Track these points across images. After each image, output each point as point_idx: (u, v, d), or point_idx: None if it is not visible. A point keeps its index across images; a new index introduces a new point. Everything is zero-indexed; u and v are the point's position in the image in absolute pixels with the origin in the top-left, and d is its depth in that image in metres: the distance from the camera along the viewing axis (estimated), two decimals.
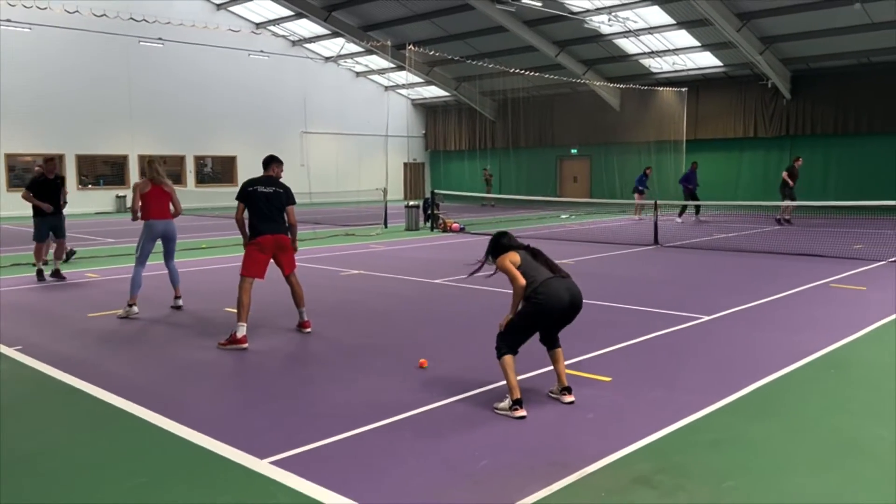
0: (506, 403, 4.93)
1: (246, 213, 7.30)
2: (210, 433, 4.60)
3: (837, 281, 10.09)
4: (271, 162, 7.56)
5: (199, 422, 4.81)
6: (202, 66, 31.04)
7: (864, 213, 21.57)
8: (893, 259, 12.11)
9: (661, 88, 29.23)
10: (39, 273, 11.10)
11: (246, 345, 6.77)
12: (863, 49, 23.68)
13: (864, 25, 21.94)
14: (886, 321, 7.57)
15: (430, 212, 19.74)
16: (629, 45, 27.44)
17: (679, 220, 20.43)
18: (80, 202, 28.44)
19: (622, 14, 24.08)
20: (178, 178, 31.32)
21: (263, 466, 4.09)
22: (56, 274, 11.16)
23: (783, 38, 23.96)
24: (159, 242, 8.81)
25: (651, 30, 25.48)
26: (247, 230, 7.28)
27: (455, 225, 19.14)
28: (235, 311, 7.06)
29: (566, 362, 5.42)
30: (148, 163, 8.86)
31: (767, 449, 4.28)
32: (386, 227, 20.08)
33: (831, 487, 3.83)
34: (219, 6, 31.32)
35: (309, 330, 7.42)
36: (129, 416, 4.99)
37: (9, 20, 24.55)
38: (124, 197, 29.16)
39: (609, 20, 24.41)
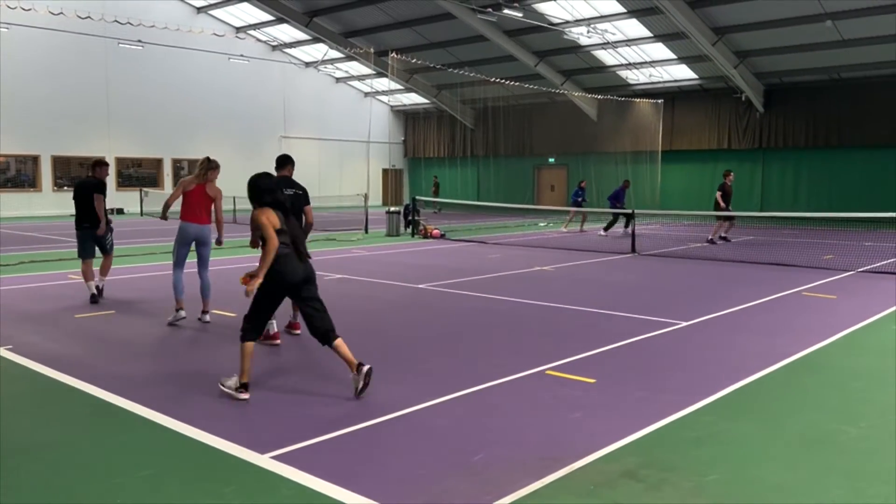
0: (233, 382, 5.40)
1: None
2: (208, 429, 4.71)
3: (809, 289, 10.44)
4: (287, 162, 7.51)
5: (198, 418, 4.92)
6: (181, 69, 30.93)
7: (834, 225, 22.16)
8: (862, 269, 12.52)
9: (638, 100, 29.73)
10: (94, 296, 9.32)
11: (279, 341, 7.08)
12: (834, 65, 24.36)
13: (835, 42, 22.59)
14: (856, 328, 7.89)
15: (411, 218, 19.91)
16: (607, 57, 27.90)
17: (603, 233, 19.76)
18: (56, 204, 28.19)
19: (601, 26, 24.51)
20: (155, 181, 31.16)
21: (265, 461, 4.22)
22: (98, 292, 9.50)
23: (757, 52, 24.56)
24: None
25: (629, 42, 25.94)
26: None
27: (436, 231, 19.33)
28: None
29: (554, 363, 5.60)
30: (202, 162, 8.10)
31: (746, 444, 4.52)
32: (367, 232, 20.21)
33: (806, 478, 4.07)
34: (199, 10, 31.27)
35: (298, 332, 7.54)
36: (126, 414, 5.09)
37: None
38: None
39: (588, 32, 24.83)
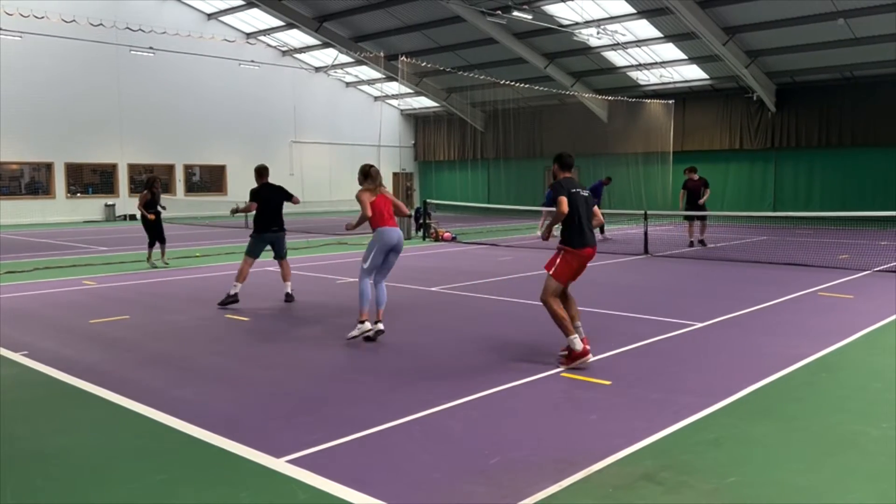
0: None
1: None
2: (224, 433, 4.70)
3: (825, 289, 10.34)
4: (372, 170, 7.67)
5: (213, 423, 4.92)
6: (192, 75, 31.10)
7: (849, 225, 21.97)
8: (878, 269, 12.39)
9: (649, 101, 29.62)
10: (229, 297, 9.43)
11: (588, 356, 6.27)
12: (846, 63, 24.17)
13: (848, 40, 22.41)
14: (874, 328, 7.80)
15: (422, 221, 19.90)
16: (617, 58, 27.82)
17: (600, 236, 18.70)
18: (69, 211, 28.39)
19: (610, 27, 24.44)
20: (167, 188, 31.31)
21: (280, 465, 4.21)
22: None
23: (768, 51, 24.41)
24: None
25: (639, 43, 25.86)
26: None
27: (447, 234, 19.30)
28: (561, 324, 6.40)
29: (569, 366, 5.54)
30: (368, 170, 7.81)
31: (766, 446, 4.46)
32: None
33: (827, 480, 4.01)
34: (209, 16, 31.44)
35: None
36: (141, 418, 5.09)
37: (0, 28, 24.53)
38: (113, 205, 29.13)
39: (598, 33, 24.77)
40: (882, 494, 3.82)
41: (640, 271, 12.87)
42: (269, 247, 9.89)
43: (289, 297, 9.67)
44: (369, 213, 7.53)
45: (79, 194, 28.98)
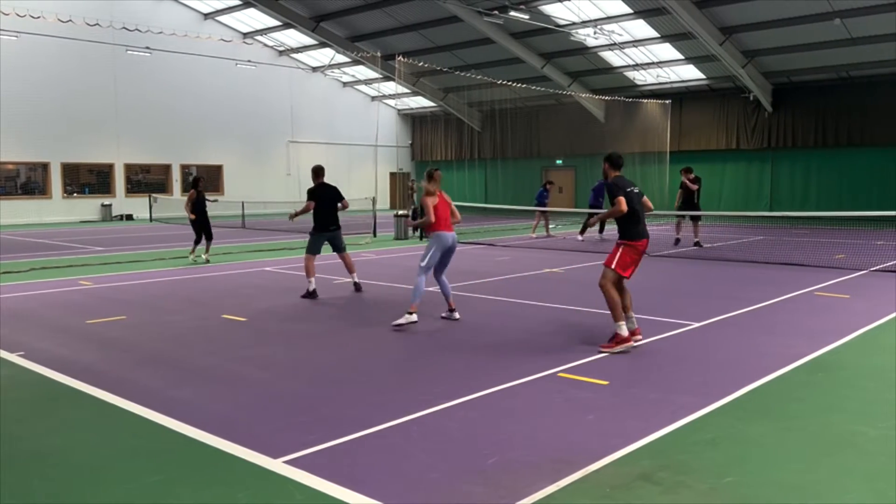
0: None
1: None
2: (220, 434, 4.70)
3: (822, 289, 10.36)
4: (436, 173, 8.49)
5: (209, 423, 4.91)
6: (189, 75, 31.06)
7: (845, 224, 22.01)
8: (874, 268, 12.42)
9: (646, 100, 29.64)
10: (309, 293, 10.01)
11: (639, 337, 7.06)
12: (842, 63, 24.21)
13: (844, 40, 22.45)
14: (870, 327, 7.82)
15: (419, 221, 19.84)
16: (614, 58, 27.84)
17: (581, 237, 18.84)
18: (66, 211, 28.34)
19: (607, 27, 24.45)
20: (164, 187, 31.28)
21: (277, 465, 4.20)
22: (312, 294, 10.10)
23: (765, 51, 24.45)
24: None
25: (636, 43, 25.88)
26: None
27: None
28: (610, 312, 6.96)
29: (566, 365, 5.56)
30: (433, 173, 8.47)
31: (763, 446, 4.47)
32: (375, 236, 20.20)
33: (824, 480, 4.02)
34: (206, 16, 31.39)
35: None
36: (137, 418, 5.08)
37: None
38: (110, 205, 29.08)
39: (594, 33, 24.77)
40: (880, 494, 3.82)
41: (637, 271, 12.83)
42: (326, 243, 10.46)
43: (357, 287, 10.44)
44: (432, 218, 8.22)
45: (75, 194, 28.92)
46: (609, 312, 6.99)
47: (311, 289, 10.01)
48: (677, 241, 16.84)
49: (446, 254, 8.38)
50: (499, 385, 5.71)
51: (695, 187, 16.86)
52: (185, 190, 31.96)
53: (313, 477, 4.02)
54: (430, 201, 8.28)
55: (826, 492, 3.87)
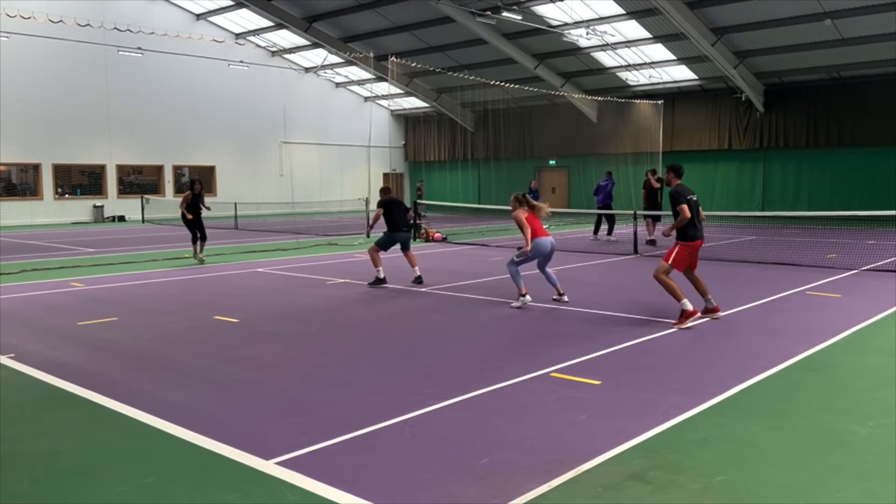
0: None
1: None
2: (212, 435, 4.68)
3: (813, 289, 10.40)
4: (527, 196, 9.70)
5: (201, 424, 4.90)
6: (181, 76, 30.97)
7: (836, 224, 22.12)
8: (865, 268, 12.48)
9: (638, 101, 29.70)
10: (379, 280, 11.19)
11: (719, 314, 8.27)
12: (833, 64, 24.32)
13: (835, 41, 22.56)
14: (861, 326, 7.86)
15: (413, 222, 19.86)
16: (606, 59, 27.89)
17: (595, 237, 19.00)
18: (57, 212, 28.21)
19: (600, 28, 24.50)
20: (156, 188, 31.18)
21: (269, 467, 4.19)
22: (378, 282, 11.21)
23: (756, 52, 24.54)
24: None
25: (628, 43, 25.94)
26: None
27: (437, 235, 19.30)
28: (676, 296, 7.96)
29: (559, 365, 5.57)
30: (522, 197, 9.67)
31: (754, 445, 4.48)
32: (369, 236, 20.15)
33: (815, 479, 4.03)
34: (198, 16, 31.31)
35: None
36: (129, 421, 5.06)
37: None
38: (102, 207, 28.98)
39: (587, 34, 24.82)
40: (870, 493, 3.84)
41: (630, 271, 12.91)
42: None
43: (419, 280, 11.27)
44: (529, 233, 9.26)
45: (67, 195, 28.80)
46: (671, 297, 8.01)
47: (381, 276, 11.11)
48: (651, 241, 17.09)
49: (548, 255, 9.53)
50: (491, 385, 5.71)
51: (657, 186, 17.65)
52: (177, 191, 31.93)
53: (306, 478, 4.02)
54: (523, 213, 9.40)
55: (817, 491, 3.89)
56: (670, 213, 8.31)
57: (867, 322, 8.07)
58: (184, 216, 14.60)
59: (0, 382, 6.05)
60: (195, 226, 14.49)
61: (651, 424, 4.80)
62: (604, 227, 19.13)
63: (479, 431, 4.75)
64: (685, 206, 7.93)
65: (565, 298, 9.44)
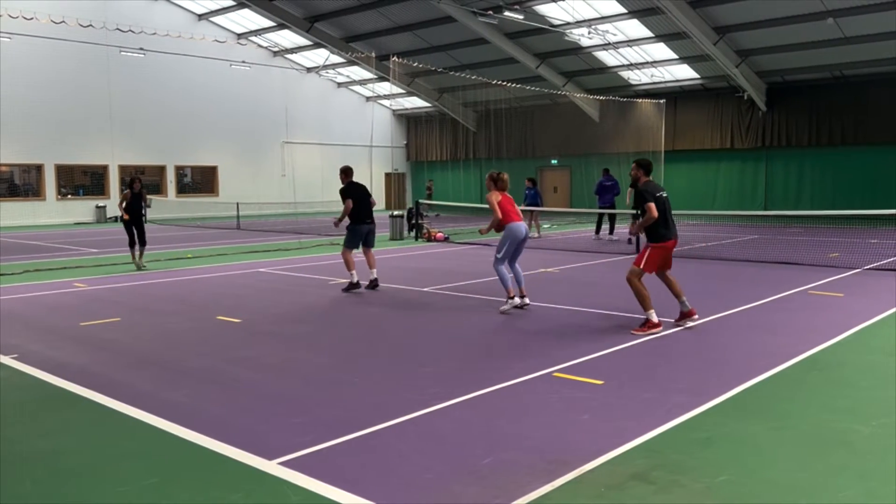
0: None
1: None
2: (215, 436, 4.69)
3: (815, 288, 10.38)
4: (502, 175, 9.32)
5: (204, 425, 4.90)
6: (183, 76, 31.00)
7: (839, 223, 22.08)
8: (868, 267, 12.45)
9: (640, 100, 29.69)
10: (353, 285, 10.56)
11: (695, 317, 7.92)
12: (836, 63, 24.28)
13: (838, 39, 22.52)
14: (864, 326, 7.84)
15: (414, 221, 19.89)
16: (608, 58, 27.87)
17: (600, 236, 19.04)
18: (60, 213, 28.25)
19: (602, 27, 24.49)
20: (158, 188, 31.21)
21: (272, 467, 4.19)
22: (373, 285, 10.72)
23: (759, 51, 24.51)
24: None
25: (630, 43, 25.92)
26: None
27: (439, 234, 19.30)
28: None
29: (561, 365, 5.57)
30: (497, 176, 9.38)
31: (757, 445, 4.48)
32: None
33: (817, 478, 4.03)
34: (200, 17, 31.35)
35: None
36: (131, 421, 5.06)
37: None
38: (104, 207, 29.01)
39: (589, 33, 24.81)
40: (872, 493, 3.84)
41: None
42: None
43: (374, 284, 10.61)
44: (499, 214, 8.88)
45: (69, 196, 28.83)
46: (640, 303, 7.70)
47: (354, 280, 10.50)
48: (630, 240, 16.79)
49: (520, 244, 9.00)
50: (494, 385, 5.71)
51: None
52: (180, 191, 31.97)
53: (308, 478, 4.02)
54: (494, 197, 8.96)
55: (820, 490, 3.88)
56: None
57: (870, 321, 8.05)
58: (121, 217, 13.61)
59: (2, 383, 6.06)
60: (133, 227, 13.40)
61: (653, 424, 4.80)
62: (605, 226, 19.14)
63: (481, 431, 4.75)
64: (652, 205, 7.49)
65: (527, 300, 9.01)
